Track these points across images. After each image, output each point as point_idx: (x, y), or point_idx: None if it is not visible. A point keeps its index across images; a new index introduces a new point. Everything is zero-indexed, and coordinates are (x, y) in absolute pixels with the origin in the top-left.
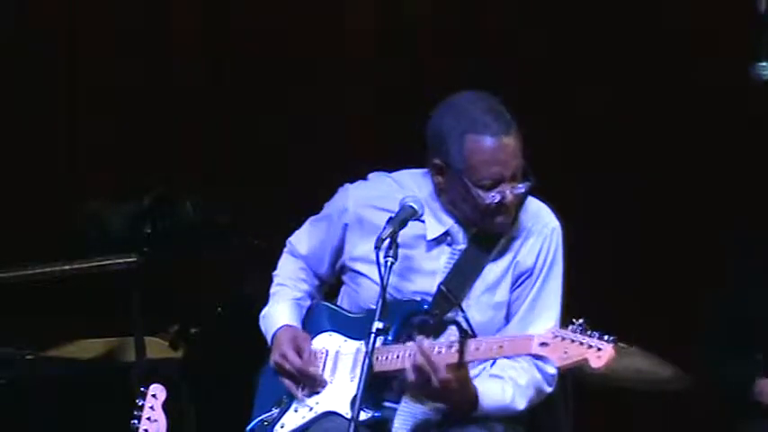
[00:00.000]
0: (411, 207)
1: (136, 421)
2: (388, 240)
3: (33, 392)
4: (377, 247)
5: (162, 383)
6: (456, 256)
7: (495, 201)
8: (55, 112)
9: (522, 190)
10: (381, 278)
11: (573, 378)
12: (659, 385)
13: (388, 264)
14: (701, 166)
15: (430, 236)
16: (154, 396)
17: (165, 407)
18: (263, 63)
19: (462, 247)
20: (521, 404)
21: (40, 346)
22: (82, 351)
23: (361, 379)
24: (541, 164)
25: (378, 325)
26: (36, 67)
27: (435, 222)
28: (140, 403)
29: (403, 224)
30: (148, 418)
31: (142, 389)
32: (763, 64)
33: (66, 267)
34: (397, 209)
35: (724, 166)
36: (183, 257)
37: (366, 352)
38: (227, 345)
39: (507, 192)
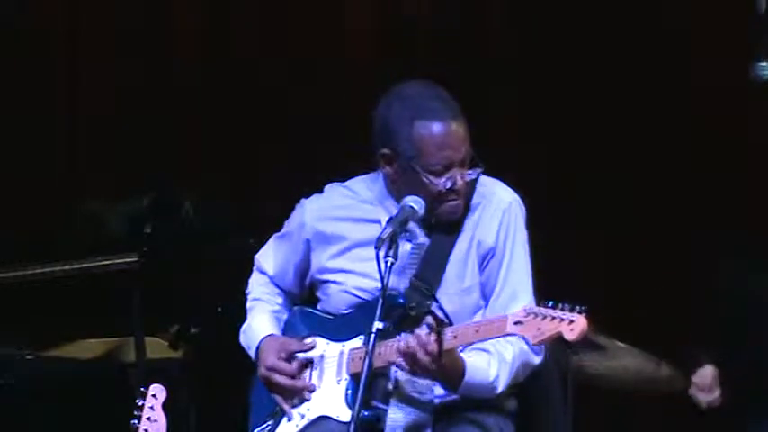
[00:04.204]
0: (411, 207)
1: (136, 421)
2: (388, 240)
3: (33, 392)
4: (377, 247)
5: (162, 383)
6: (418, 251)
7: (447, 186)
8: (55, 112)
9: (473, 176)
10: (381, 278)
11: (573, 378)
12: (659, 386)
13: (389, 264)
14: (700, 166)
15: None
16: (154, 396)
17: (165, 407)
18: (263, 63)
19: (422, 241)
20: (502, 384)
21: (40, 346)
22: (82, 351)
23: (363, 379)
24: (541, 163)
25: (378, 325)
26: (36, 67)
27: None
28: (140, 403)
29: (404, 224)
30: (148, 418)
31: (142, 389)
32: (763, 64)
33: (67, 267)
34: (351, 216)
35: (723, 165)
36: (183, 257)
37: (366, 352)
38: (227, 345)
39: (458, 177)
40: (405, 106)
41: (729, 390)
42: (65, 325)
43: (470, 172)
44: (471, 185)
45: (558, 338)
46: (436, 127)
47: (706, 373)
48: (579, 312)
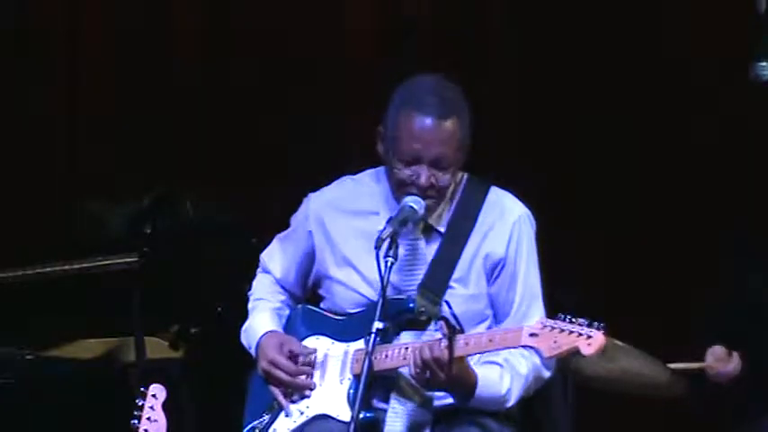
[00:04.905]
0: (411, 207)
1: (136, 421)
2: (388, 240)
3: (33, 392)
4: (377, 247)
5: (162, 383)
6: (412, 249)
7: (407, 179)
8: (55, 113)
9: (442, 182)
10: (381, 278)
11: (574, 380)
12: (659, 388)
13: (388, 264)
14: (700, 166)
15: (383, 224)
16: (154, 396)
17: (165, 407)
18: (263, 63)
19: (415, 236)
20: (514, 397)
21: (40, 346)
22: (82, 351)
23: (363, 379)
24: (541, 163)
25: (378, 325)
26: (36, 67)
27: (389, 212)
28: (140, 403)
29: (403, 224)
30: (148, 418)
31: (142, 389)
32: (763, 64)
33: (67, 267)
34: (354, 208)
35: (723, 165)
36: (183, 257)
37: (367, 352)
38: (227, 345)
39: (422, 174)
40: (406, 92)
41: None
42: (65, 325)
43: (439, 173)
44: (441, 189)
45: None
46: (418, 119)
47: (715, 351)
48: (598, 328)
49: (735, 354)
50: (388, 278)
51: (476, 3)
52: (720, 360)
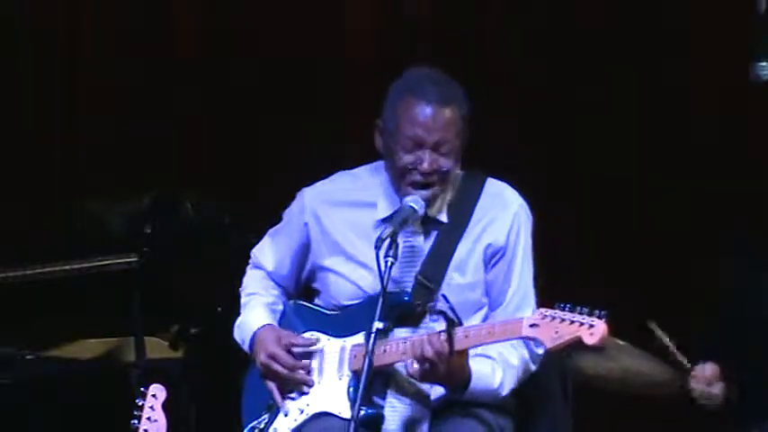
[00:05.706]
0: (410, 207)
1: (136, 421)
2: (388, 240)
3: (33, 392)
4: (377, 247)
5: (162, 383)
6: (411, 251)
7: (410, 164)
8: (55, 112)
9: (445, 166)
10: (381, 278)
11: (573, 379)
12: (659, 387)
13: (389, 264)
14: (700, 166)
15: (380, 215)
16: (154, 396)
17: (165, 407)
18: (263, 63)
19: (411, 231)
20: (506, 389)
21: (40, 346)
22: (82, 351)
23: (363, 378)
24: (541, 163)
25: (378, 325)
26: (36, 67)
27: (387, 204)
28: (140, 403)
29: (403, 223)
30: (148, 418)
31: (142, 389)
32: (763, 64)
33: (67, 267)
34: (350, 199)
35: (723, 165)
36: (183, 257)
37: (367, 351)
38: (227, 345)
39: (425, 159)
40: (404, 83)
41: (735, 388)
42: (65, 325)
43: (442, 159)
44: (443, 176)
45: (576, 343)
46: (418, 105)
47: (706, 367)
48: (599, 317)
49: (720, 384)
50: (389, 278)
51: (476, 3)
52: (707, 378)
